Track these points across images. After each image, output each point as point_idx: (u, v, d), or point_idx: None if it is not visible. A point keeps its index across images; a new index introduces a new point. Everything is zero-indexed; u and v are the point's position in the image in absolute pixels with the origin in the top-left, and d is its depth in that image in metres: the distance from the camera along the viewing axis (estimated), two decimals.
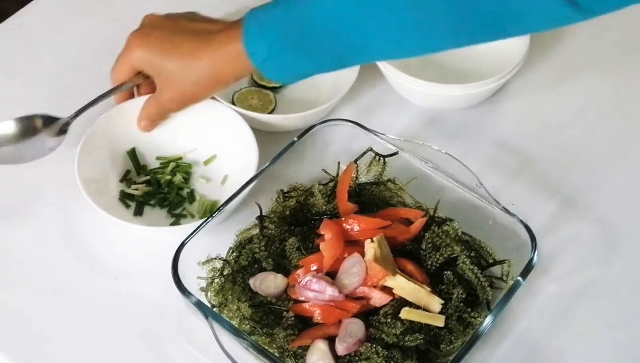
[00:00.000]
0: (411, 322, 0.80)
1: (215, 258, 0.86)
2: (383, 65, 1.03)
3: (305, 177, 0.94)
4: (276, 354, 0.80)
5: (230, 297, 0.84)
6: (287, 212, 0.90)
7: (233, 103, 1.03)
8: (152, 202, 0.95)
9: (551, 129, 1.05)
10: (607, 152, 1.02)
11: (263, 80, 1.07)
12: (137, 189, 0.95)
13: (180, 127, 0.98)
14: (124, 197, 0.95)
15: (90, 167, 0.92)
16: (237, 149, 0.95)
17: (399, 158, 0.93)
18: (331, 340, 0.80)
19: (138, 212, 0.94)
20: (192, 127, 0.98)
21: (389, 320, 0.80)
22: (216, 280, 0.85)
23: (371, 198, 0.93)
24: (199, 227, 0.84)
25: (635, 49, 1.14)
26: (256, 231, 0.89)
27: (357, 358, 0.79)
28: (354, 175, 0.93)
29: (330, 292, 0.81)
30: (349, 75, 1.02)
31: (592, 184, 0.99)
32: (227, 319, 0.82)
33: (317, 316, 0.82)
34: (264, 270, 0.86)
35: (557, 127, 1.05)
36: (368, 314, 0.82)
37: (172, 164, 0.98)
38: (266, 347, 0.79)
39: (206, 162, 0.99)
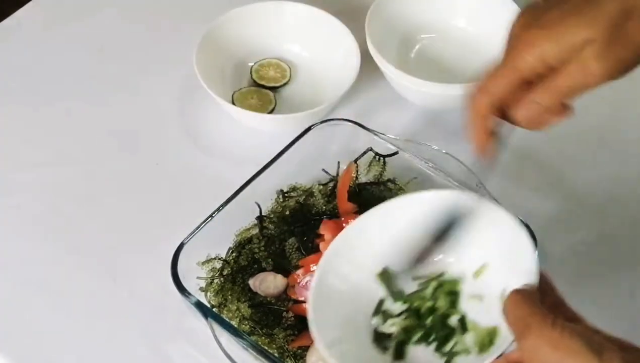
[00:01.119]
0: None
1: (214, 259, 0.86)
2: (383, 65, 1.03)
3: (305, 177, 0.93)
4: (276, 354, 0.80)
5: (229, 297, 0.84)
6: (287, 212, 0.90)
7: (232, 102, 1.03)
8: (414, 339, 0.71)
9: (551, 128, 1.04)
10: (608, 151, 1.02)
11: (263, 80, 1.07)
12: (393, 325, 0.72)
13: (434, 227, 0.73)
14: (379, 339, 0.72)
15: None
16: (515, 254, 0.69)
17: (399, 158, 0.92)
18: None
19: (398, 356, 0.71)
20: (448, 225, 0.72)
21: None
22: (216, 281, 0.85)
23: (371, 198, 0.92)
24: (198, 227, 0.84)
25: None
26: (256, 231, 0.89)
27: None
28: (354, 175, 0.93)
29: None
30: (348, 74, 1.02)
31: (593, 183, 0.98)
32: (227, 319, 0.82)
33: None
34: (264, 270, 0.86)
35: (557, 126, 1.05)
36: None
37: (433, 284, 0.73)
38: (266, 348, 0.79)
39: (476, 274, 0.73)
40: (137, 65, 1.10)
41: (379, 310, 0.73)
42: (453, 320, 0.71)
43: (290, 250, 0.86)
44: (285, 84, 1.07)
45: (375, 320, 0.73)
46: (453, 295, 0.72)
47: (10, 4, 1.17)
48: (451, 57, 1.09)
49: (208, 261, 0.86)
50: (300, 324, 0.82)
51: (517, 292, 0.61)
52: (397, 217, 0.75)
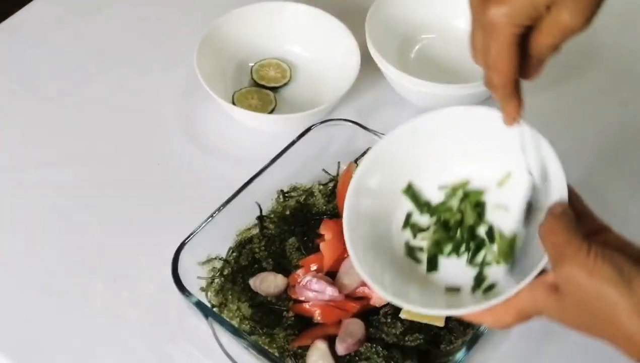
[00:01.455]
0: (411, 321, 0.80)
1: (215, 259, 0.86)
2: (383, 65, 1.03)
3: (305, 177, 0.93)
4: (276, 354, 0.80)
5: (230, 297, 0.84)
6: (287, 212, 0.90)
7: (233, 103, 1.03)
8: (446, 251, 0.73)
9: (552, 129, 1.04)
10: (610, 151, 1.02)
11: (263, 80, 1.07)
12: (423, 240, 0.73)
13: (458, 141, 0.73)
14: (411, 252, 0.73)
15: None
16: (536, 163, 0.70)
17: None
18: (331, 340, 0.80)
19: (432, 268, 0.72)
20: (472, 138, 0.73)
21: (389, 320, 0.80)
22: (216, 280, 0.85)
23: None
24: (199, 227, 0.84)
25: (638, 48, 1.14)
26: (256, 231, 0.89)
27: (357, 358, 0.79)
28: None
29: (330, 292, 0.81)
30: (349, 74, 1.02)
31: (595, 183, 0.98)
32: (227, 319, 0.82)
33: (317, 316, 0.82)
34: (264, 270, 0.86)
35: (557, 127, 1.05)
36: (368, 314, 0.82)
37: (459, 194, 0.73)
38: (266, 347, 0.79)
39: (500, 183, 0.73)
40: (138, 65, 1.10)
41: (407, 223, 0.74)
42: (481, 231, 0.72)
43: (291, 250, 0.86)
44: (285, 84, 1.07)
45: (405, 234, 0.74)
46: (479, 207, 0.72)
47: (12, 4, 1.17)
48: (451, 58, 1.09)
49: (208, 261, 0.86)
50: (301, 324, 0.82)
51: (553, 218, 0.62)
52: (422, 132, 0.74)
